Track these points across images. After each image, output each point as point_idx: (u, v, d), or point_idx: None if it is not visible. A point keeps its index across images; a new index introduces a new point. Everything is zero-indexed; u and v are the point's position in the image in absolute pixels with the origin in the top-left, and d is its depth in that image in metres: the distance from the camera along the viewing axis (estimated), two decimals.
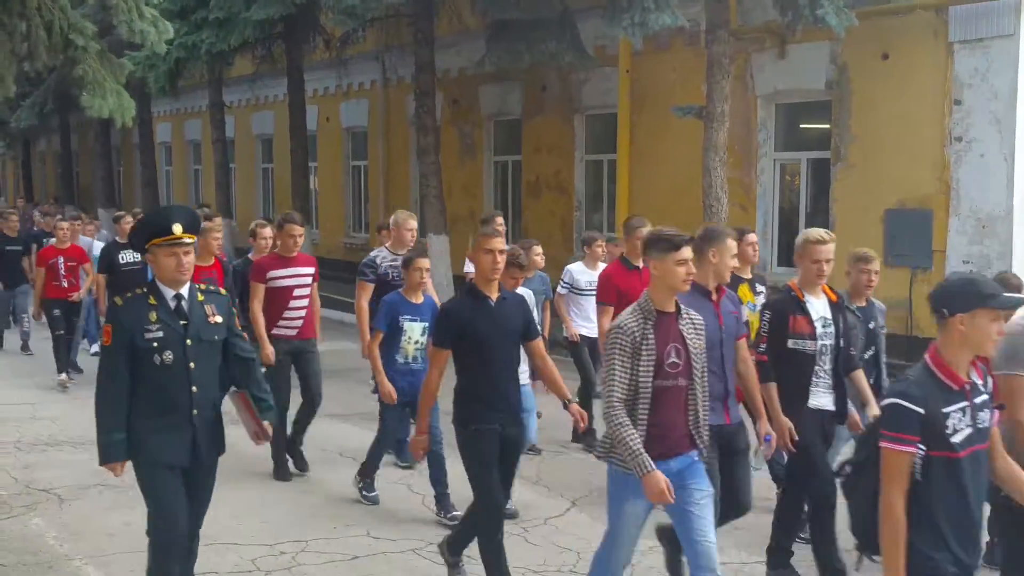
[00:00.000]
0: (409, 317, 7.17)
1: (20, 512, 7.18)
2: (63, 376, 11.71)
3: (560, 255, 15.13)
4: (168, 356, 4.70)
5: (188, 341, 4.76)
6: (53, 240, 13.10)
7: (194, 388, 4.81)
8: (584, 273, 9.40)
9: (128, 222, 11.70)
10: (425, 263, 7.27)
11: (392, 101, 20.87)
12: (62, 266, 12.14)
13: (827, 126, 12.88)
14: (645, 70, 14.68)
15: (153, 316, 4.70)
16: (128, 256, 11.27)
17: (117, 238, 12.12)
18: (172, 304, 4.76)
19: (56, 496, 7.52)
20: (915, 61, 11.74)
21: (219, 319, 4.88)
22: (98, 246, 15.10)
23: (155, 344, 4.67)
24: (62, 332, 12.01)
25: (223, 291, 5.30)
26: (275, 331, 8.00)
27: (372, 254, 8.40)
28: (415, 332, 7.18)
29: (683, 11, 12.11)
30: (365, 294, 8.12)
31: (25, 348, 14.03)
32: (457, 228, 17.04)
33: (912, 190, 11.83)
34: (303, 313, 8.14)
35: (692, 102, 12.85)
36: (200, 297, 4.87)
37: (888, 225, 12.02)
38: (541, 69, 15.75)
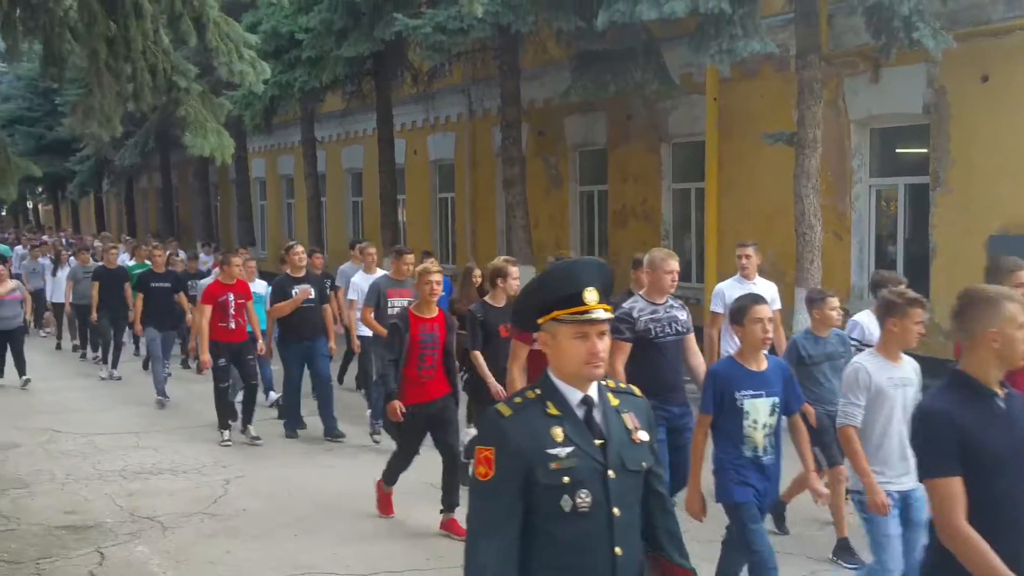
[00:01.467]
0: (751, 392, 5.33)
1: (125, 539, 7.38)
2: (225, 434, 10.57)
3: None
4: (584, 498, 2.96)
5: (610, 472, 3.02)
6: (203, 280, 12.74)
7: (617, 550, 3.02)
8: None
9: (297, 253, 10.85)
10: (764, 311, 5.40)
11: (478, 133, 21.09)
12: (232, 304, 10.65)
13: (925, 151, 12.59)
14: (733, 97, 14.58)
15: (558, 434, 2.99)
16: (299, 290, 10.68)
17: (288, 271, 10.91)
18: (580, 413, 3.06)
19: (159, 524, 7.72)
20: (1016, 82, 11.43)
21: (644, 436, 3.16)
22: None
23: (565, 480, 2.95)
24: (227, 385, 10.76)
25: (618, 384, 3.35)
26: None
27: (627, 305, 6.74)
28: (761, 412, 5.33)
29: (772, 36, 12.01)
30: (621, 357, 6.47)
31: (162, 395, 12.74)
32: (543, 258, 17.08)
33: (1016, 215, 11.49)
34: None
35: (782, 128, 12.70)
36: (613, 400, 3.17)
37: (992, 251, 11.67)
38: (626, 98, 15.75)
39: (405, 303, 9.49)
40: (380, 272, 11.17)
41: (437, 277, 7.59)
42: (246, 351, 10.78)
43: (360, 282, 11.03)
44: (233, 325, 10.62)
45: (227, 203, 33.79)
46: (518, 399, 3.08)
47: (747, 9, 11.36)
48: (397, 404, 7.32)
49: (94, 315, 14.93)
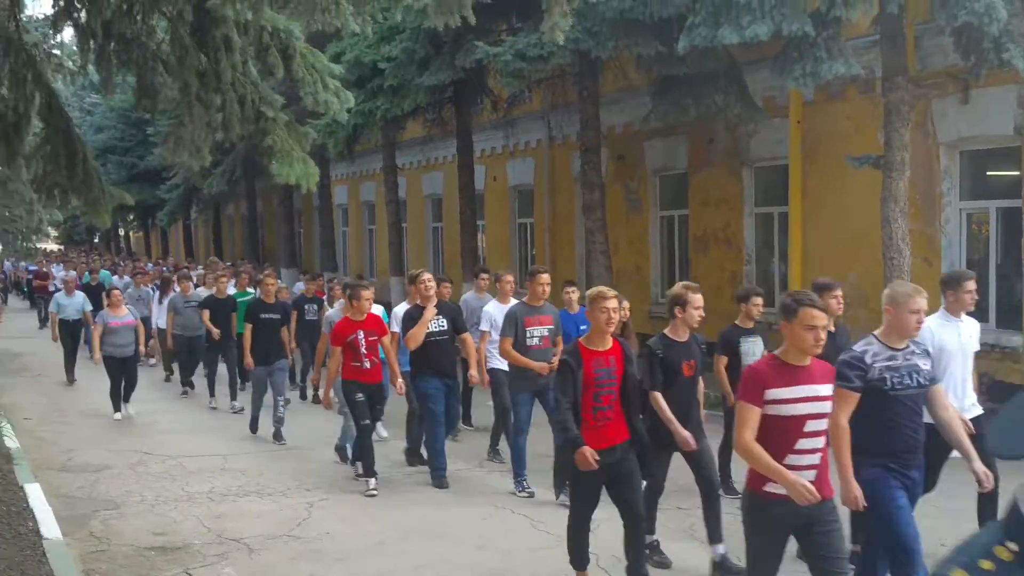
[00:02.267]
0: None
1: (212, 561, 7.50)
2: (372, 482, 9.57)
3: (730, 309, 14.87)
4: None
5: None
6: (330, 312, 11.67)
7: None
8: None
9: (424, 280, 9.81)
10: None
11: (558, 159, 21.14)
12: (363, 342, 9.66)
13: (1017, 173, 12.27)
14: (817, 120, 14.41)
15: None
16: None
17: (417, 301, 9.98)
18: None
19: (246, 546, 7.83)
20: None
21: None
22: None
23: None
24: (368, 422, 9.72)
25: None
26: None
27: (859, 348, 5.69)
28: None
29: (857, 58, 11.86)
30: (846, 408, 5.50)
31: (278, 437, 11.95)
32: (623, 284, 17.04)
33: None
34: None
35: (868, 151, 12.51)
36: None
37: None
38: (707, 122, 15.66)
39: (545, 332, 9.24)
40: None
41: (613, 303, 6.38)
42: (381, 394, 9.97)
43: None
44: (368, 364, 9.67)
45: (310, 229, 34.37)
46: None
47: (831, 31, 11.24)
48: (588, 451, 6.15)
49: (215, 332, 14.45)
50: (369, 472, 9.59)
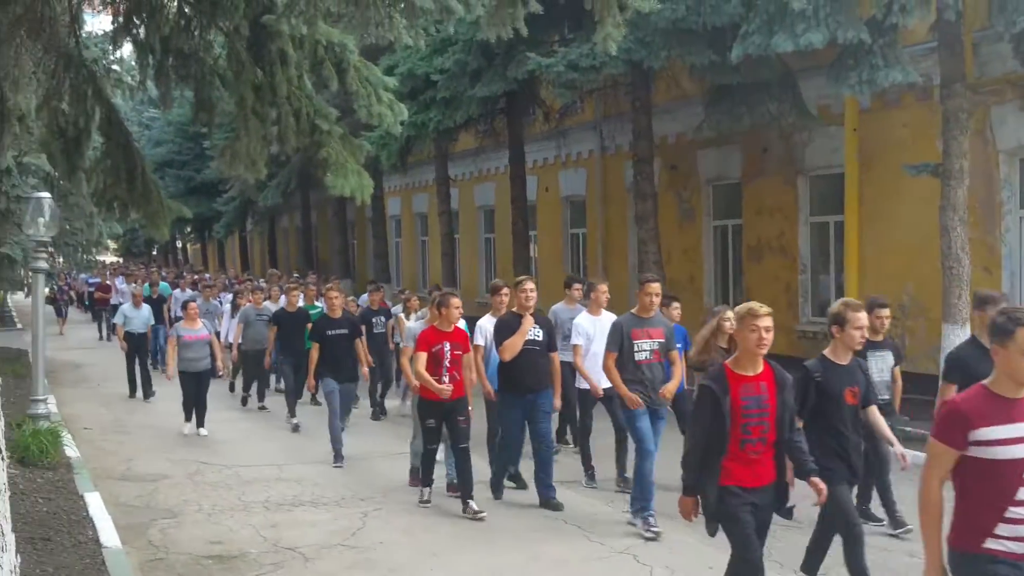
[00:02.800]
0: None
1: (268, 570, 7.56)
2: (426, 492, 9.43)
3: (785, 320, 14.75)
4: None
5: None
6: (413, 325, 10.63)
7: None
8: None
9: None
10: None
11: (610, 169, 21.10)
12: (448, 354, 9.05)
13: None
14: (873, 128, 14.24)
15: None
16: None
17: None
18: None
19: (301, 555, 7.89)
20: None
21: None
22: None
23: None
24: (435, 446, 9.30)
25: None
26: None
27: None
28: None
29: (914, 65, 11.73)
30: None
31: (338, 459, 11.31)
32: (676, 293, 16.89)
33: None
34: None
35: (926, 159, 12.34)
36: None
37: None
38: (761, 131, 15.55)
39: (656, 345, 8.52)
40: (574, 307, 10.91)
41: (766, 322, 5.50)
42: (460, 409, 9.15)
43: (586, 324, 9.80)
44: (447, 379, 9.00)
45: (363, 241, 34.65)
46: None
47: (888, 39, 11.13)
48: (692, 502, 5.63)
49: (268, 360, 14.46)
50: (426, 481, 9.39)
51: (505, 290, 9.83)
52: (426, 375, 8.99)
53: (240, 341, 15.62)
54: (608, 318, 9.55)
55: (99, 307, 29.88)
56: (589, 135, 21.44)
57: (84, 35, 10.36)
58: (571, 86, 15.14)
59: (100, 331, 29.23)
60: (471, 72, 17.45)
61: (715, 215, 18.48)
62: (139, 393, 16.96)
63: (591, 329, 9.71)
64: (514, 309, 9.57)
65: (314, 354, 11.84)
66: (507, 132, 20.91)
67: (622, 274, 20.59)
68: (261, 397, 15.70)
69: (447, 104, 18.23)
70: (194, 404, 13.39)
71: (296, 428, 13.63)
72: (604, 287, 10.16)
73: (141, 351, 17.08)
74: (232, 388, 17.07)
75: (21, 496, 8.89)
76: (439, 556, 7.84)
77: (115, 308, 26.77)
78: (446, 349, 9.05)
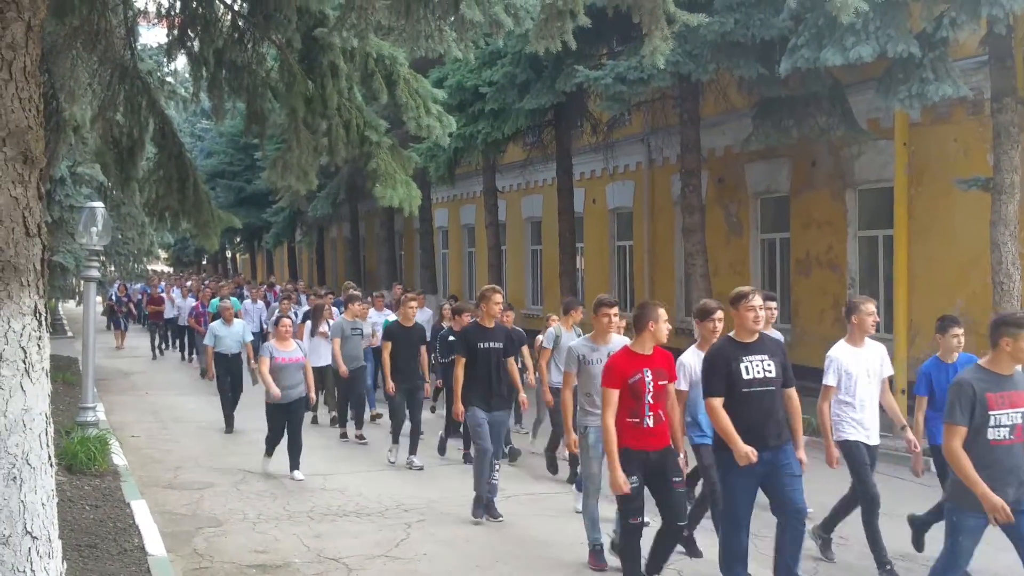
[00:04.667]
0: None
1: None
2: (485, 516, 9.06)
3: (833, 334, 14.57)
4: None
5: None
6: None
7: None
8: None
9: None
10: None
11: (657, 181, 21.06)
12: (650, 386, 6.82)
13: None
14: (923, 142, 14.09)
15: None
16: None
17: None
18: None
19: (344, 565, 7.93)
20: None
21: None
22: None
23: None
24: (641, 520, 6.89)
25: None
26: None
27: None
28: None
29: (965, 80, 11.60)
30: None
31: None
32: (724, 307, 16.82)
33: None
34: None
35: (976, 173, 12.20)
36: None
37: None
38: (810, 144, 15.45)
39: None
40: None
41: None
42: (670, 464, 6.88)
43: (692, 362, 7.76)
44: (651, 422, 6.80)
45: (411, 252, 34.83)
46: None
47: (938, 52, 11.04)
48: None
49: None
50: (633, 571, 6.99)
51: (720, 314, 7.71)
52: (611, 424, 6.76)
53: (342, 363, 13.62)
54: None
55: (151, 321, 27.26)
56: (637, 147, 21.42)
57: (139, 47, 10.54)
58: (619, 99, 15.12)
59: (153, 348, 26.56)
60: (520, 85, 17.51)
61: (763, 228, 18.36)
62: (188, 399, 17.05)
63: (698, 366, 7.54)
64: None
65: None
66: (555, 144, 20.94)
67: (669, 287, 20.53)
68: (359, 424, 13.74)
69: (495, 116, 18.30)
70: (287, 441, 11.30)
71: (413, 466, 11.67)
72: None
73: (235, 375, 14.75)
74: (316, 420, 14.94)
75: (68, 503, 9.00)
76: (483, 568, 7.86)
77: (169, 323, 26.34)
78: (647, 379, 6.81)
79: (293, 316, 15.89)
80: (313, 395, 11.99)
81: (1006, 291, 11.44)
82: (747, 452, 6.29)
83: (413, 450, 11.75)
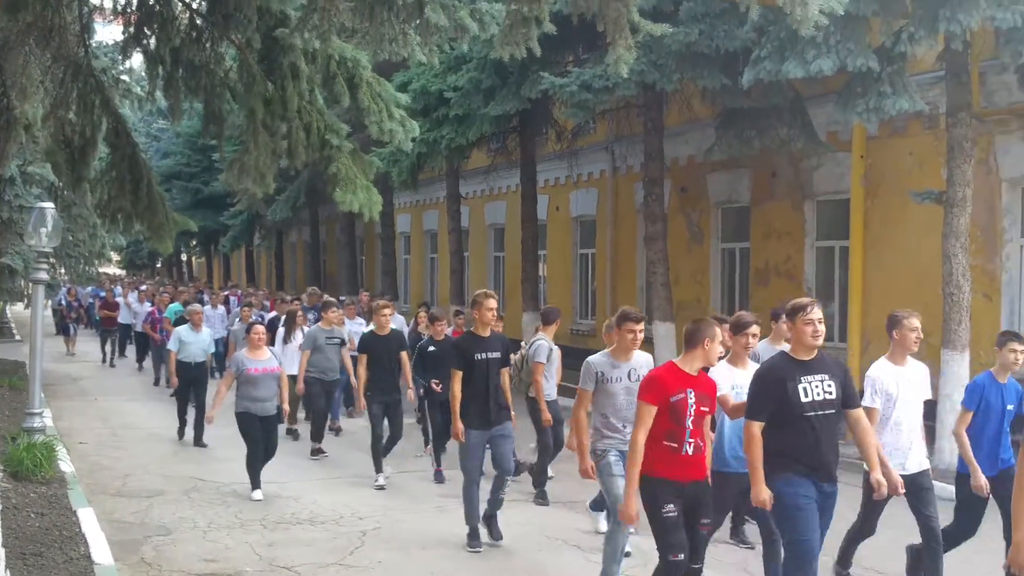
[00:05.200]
0: None
1: None
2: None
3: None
4: None
5: None
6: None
7: None
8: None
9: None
10: None
11: (621, 190, 21.10)
12: (692, 409, 6.09)
13: None
14: (880, 154, 14.23)
15: None
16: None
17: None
18: None
19: (297, 574, 7.84)
20: None
21: None
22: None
23: None
24: (682, 556, 6.07)
25: None
26: None
27: None
28: None
29: (921, 94, 11.73)
30: None
31: (473, 542, 8.55)
32: (683, 315, 16.86)
33: None
34: None
35: (931, 187, 12.35)
36: None
37: None
38: (771, 155, 15.56)
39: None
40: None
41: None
42: (703, 499, 6.22)
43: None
44: (690, 450, 6.08)
45: (372, 257, 34.65)
46: None
47: (896, 67, 11.15)
48: None
49: (360, 402, 11.31)
50: None
51: (755, 329, 7.35)
52: (641, 442, 6.04)
53: (306, 371, 12.86)
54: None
55: (104, 327, 25.47)
56: (601, 156, 21.45)
57: (93, 44, 10.39)
58: (584, 107, 15.13)
59: (104, 354, 25.25)
60: (484, 90, 17.47)
61: (723, 238, 18.46)
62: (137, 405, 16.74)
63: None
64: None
65: (361, 371, 11.01)
66: (519, 151, 20.93)
67: (630, 295, 20.57)
68: (319, 438, 12.86)
69: (459, 122, 18.24)
70: (262, 459, 10.66)
71: (382, 487, 10.98)
72: (756, 328, 7.43)
73: (198, 385, 13.92)
74: (293, 433, 13.94)
75: (13, 511, 8.83)
76: (437, 575, 7.80)
77: (124, 329, 25.01)
78: (690, 400, 6.07)
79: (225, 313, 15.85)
80: (287, 407, 11.24)
81: (956, 302, 11.60)
82: (765, 500, 5.82)
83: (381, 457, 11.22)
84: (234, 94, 9.62)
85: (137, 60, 10.50)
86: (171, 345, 14.16)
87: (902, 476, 6.69)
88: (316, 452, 12.68)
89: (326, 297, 16.06)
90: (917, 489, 6.91)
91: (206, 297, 24.93)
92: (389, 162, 18.91)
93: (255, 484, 10.52)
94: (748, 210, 17.46)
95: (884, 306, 13.93)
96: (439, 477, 11.32)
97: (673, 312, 16.08)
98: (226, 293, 26.49)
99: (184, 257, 59.25)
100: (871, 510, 7.17)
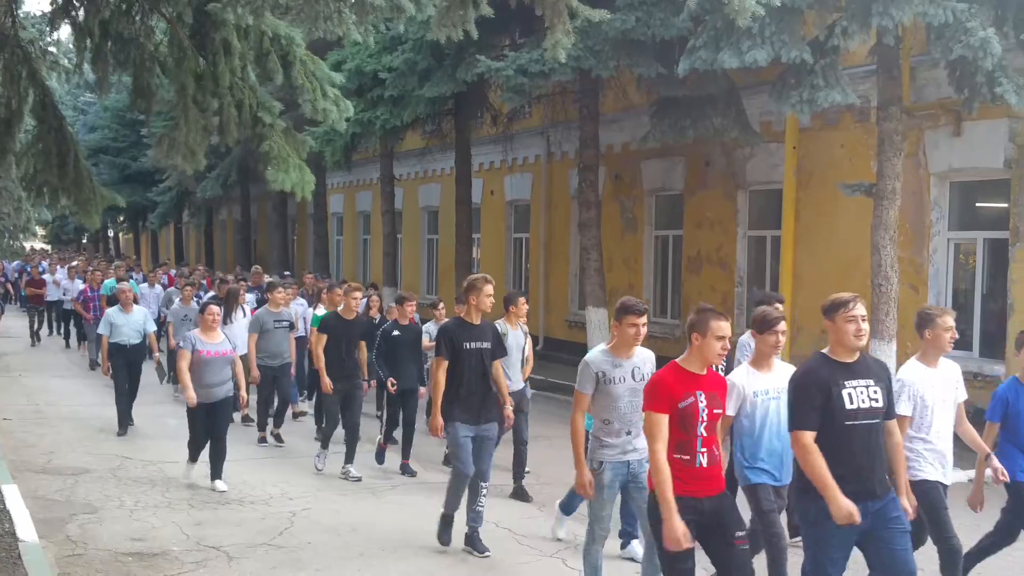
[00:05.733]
0: None
1: (190, 568, 7.43)
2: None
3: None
4: None
5: None
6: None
7: None
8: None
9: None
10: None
11: (555, 175, 21.17)
12: (704, 415, 5.34)
13: (1005, 205, 12.37)
14: (812, 146, 14.46)
15: None
16: None
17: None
18: None
19: (225, 554, 7.76)
20: None
21: None
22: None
23: None
24: None
25: None
26: None
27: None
28: None
29: (854, 88, 11.91)
30: None
31: (474, 543, 7.89)
32: (616, 302, 17.01)
33: None
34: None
35: (861, 179, 12.57)
36: None
37: None
38: (705, 144, 15.73)
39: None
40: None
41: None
42: (731, 516, 5.38)
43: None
44: (705, 460, 5.33)
45: (304, 237, 34.35)
46: None
47: (829, 60, 11.30)
48: None
49: (327, 383, 10.46)
50: None
51: (783, 326, 6.62)
52: (663, 461, 5.19)
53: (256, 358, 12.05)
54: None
55: (31, 304, 24.21)
56: (536, 140, 21.50)
57: (21, 15, 10.10)
58: (520, 91, 15.13)
59: (32, 333, 23.73)
60: (420, 72, 17.37)
61: (657, 225, 18.64)
62: (63, 382, 16.44)
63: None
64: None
65: (320, 353, 10.42)
66: (454, 134, 20.88)
67: (563, 280, 20.69)
68: (279, 423, 12.34)
69: (395, 103, 18.13)
70: (208, 446, 9.88)
71: (355, 478, 10.29)
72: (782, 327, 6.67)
73: (134, 368, 13.02)
74: (247, 419, 13.13)
75: None
76: (367, 557, 7.77)
77: (52, 306, 23.89)
78: (700, 404, 5.33)
79: (196, 303, 14.34)
80: (245, 393, 10.52)
81: (884, 293, 11.82)
82: (851, 512, 4.98)
83: (350, 458, 10.43)
84: (164, 68, 9.44)
85: (65, 32, 10.27)
86: (101, 329, 13.24)
87: (943, 486, 6.27)
88: (277, 437, 12.16)
89: (269, 277, 15.41)
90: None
91: (135, 275, 24.35)
92: (323, 142, 18.73)
93: (193, 459, 9.96)
94: (682, 198, 17.64)
95: (814, 295, 14.21)
96: (407, 470, 10.56)
97: (606, 298, 16.21)
98: (160, 271, 25.72)
99: (111, 233, 58.11)
100: (942, 531, 6.25)
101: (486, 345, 7.97)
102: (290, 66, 9.22)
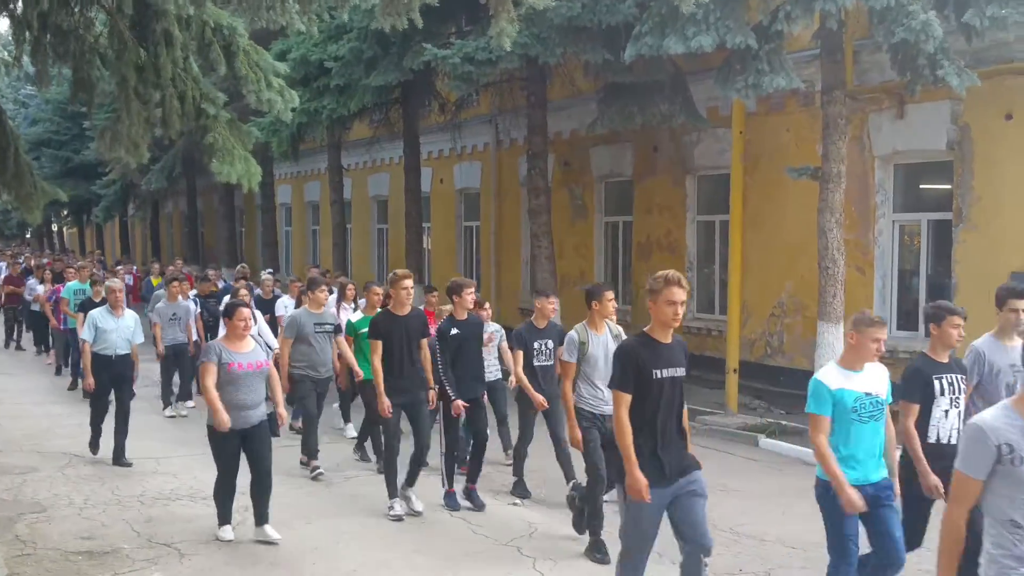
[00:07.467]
0: None
1: (142, 566, 7.36)
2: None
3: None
4: None
5: None
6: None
7: None
8: None
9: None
10: None
11: (504, 163, 21.16)
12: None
13: (948, 187, 12.57)
14: (759, 131, 14.58)
15: None
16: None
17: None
18: None
19: (176, 550, 7.70)
20: None
21: None
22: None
23: None
24: None
25: None
26: None
27: None
28: None
29: (798, 72, 12.03)
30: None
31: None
32: (567, 288, 17.10)
33: None
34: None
35: (807, 163, 12.71)
36: None
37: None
38: (653, 130, 15.80)
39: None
40: None
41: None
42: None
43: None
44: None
45: (252, 229, 34.03)
46: None
47: (773, 45, 11.40)
48: None
49: (383, 402, 8.56)
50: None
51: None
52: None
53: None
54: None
55: (7, 306, 22.01)
56: (484, 128, 21.46)
57: None
58: (467, 79, 15.08)
59: (8, 338, 22.15)
60: (366, 61, 17.23)
61: (607, 212, 18.71)
62: (8, 380, 16.12)
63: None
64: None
65: (377, 363, 8.63)
66: (402, 123, 20.77)
67: (515, 268, 20.70)
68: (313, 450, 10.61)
69: (341, 92, 17.98)
70: (250, 482, 8.02)
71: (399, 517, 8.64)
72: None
73: (121, 383, 10.78)
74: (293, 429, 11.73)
75: None
76: (320, 550, 7.74)
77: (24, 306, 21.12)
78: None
79: (192, 304, 13.57)
80: (283, 412, 8.28)
81: (831, 275, 11.98)
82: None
83: (411, 481, 8.89)
84: (104, 60, 9.31)
85: (3, 24, 10.07)
86: (84, 334, 10.79)
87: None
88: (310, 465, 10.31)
89: (311, 273, 13.79)
90: None
91: (100, 273, 21.12)
92: (268, 132, 18.56)
93: (223, 519, 8.02)
94: (631, 184, 17.72)
95: (763, 279, 14.45)
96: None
97: (557, 286, 16.25)
98: (119, 268, 24.87)
99: (55, 227, 57.14)
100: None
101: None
102: (233, 56, 9.13)
